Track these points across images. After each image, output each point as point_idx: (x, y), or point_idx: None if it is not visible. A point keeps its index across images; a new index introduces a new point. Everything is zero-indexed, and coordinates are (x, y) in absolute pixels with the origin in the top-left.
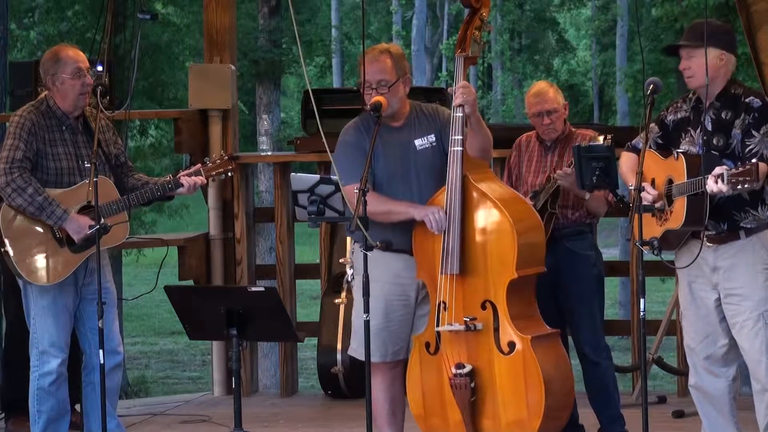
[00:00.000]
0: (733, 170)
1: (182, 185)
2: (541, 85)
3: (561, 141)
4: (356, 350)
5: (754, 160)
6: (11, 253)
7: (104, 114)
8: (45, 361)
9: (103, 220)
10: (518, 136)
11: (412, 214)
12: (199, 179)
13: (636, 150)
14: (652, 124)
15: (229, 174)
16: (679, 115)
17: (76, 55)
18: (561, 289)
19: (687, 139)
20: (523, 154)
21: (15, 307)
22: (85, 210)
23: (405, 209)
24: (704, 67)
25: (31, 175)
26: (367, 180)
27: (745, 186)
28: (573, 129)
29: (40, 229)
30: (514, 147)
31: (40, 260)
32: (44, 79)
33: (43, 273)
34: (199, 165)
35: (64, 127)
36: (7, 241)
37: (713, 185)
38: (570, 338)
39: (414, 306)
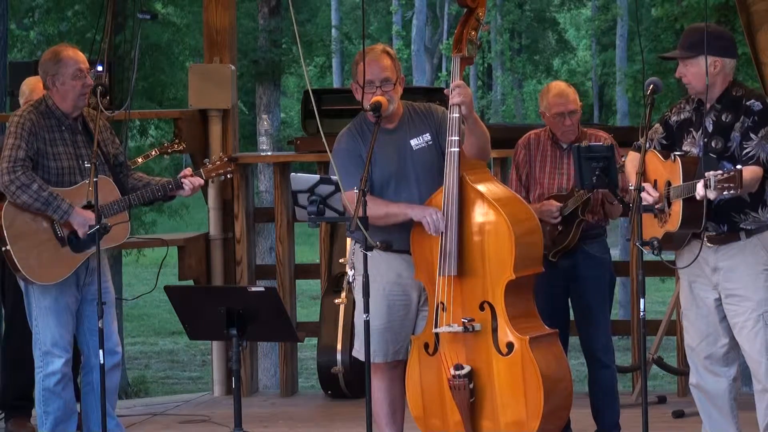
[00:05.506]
0: (719, 176)
1: (183, 187)
2: (561, 86)
3: (575, 142)
4: (360, 351)
5: (738, 166)
6: (13, 252)
7: (103, 114)
8: (49, 362)
9: (103, 220)
10: (518, 136)
11: (409, 215)
12: (197, 180)
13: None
14: (657, 125)
15: (229, 176)
16: (682, 116)
17: (77, 56)
18: (576, 291)
19: (688, 140)
20: (533, 152)
21: (11, 307)
22: (86, 209)
23: (402, 210)
24: (698, 75)
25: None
26: (367, 181)
27: (731, 192)
28: (584, 129)
29: (41, 229)
30: (522, 145)
31: (42, 260)
32: (44, 79)
33: (44, 272)
34: (189, 170)
35: (63, 127)
36: (8, 241)
37: (701, 190)
38: (565, 340)
39: (416, 307)
